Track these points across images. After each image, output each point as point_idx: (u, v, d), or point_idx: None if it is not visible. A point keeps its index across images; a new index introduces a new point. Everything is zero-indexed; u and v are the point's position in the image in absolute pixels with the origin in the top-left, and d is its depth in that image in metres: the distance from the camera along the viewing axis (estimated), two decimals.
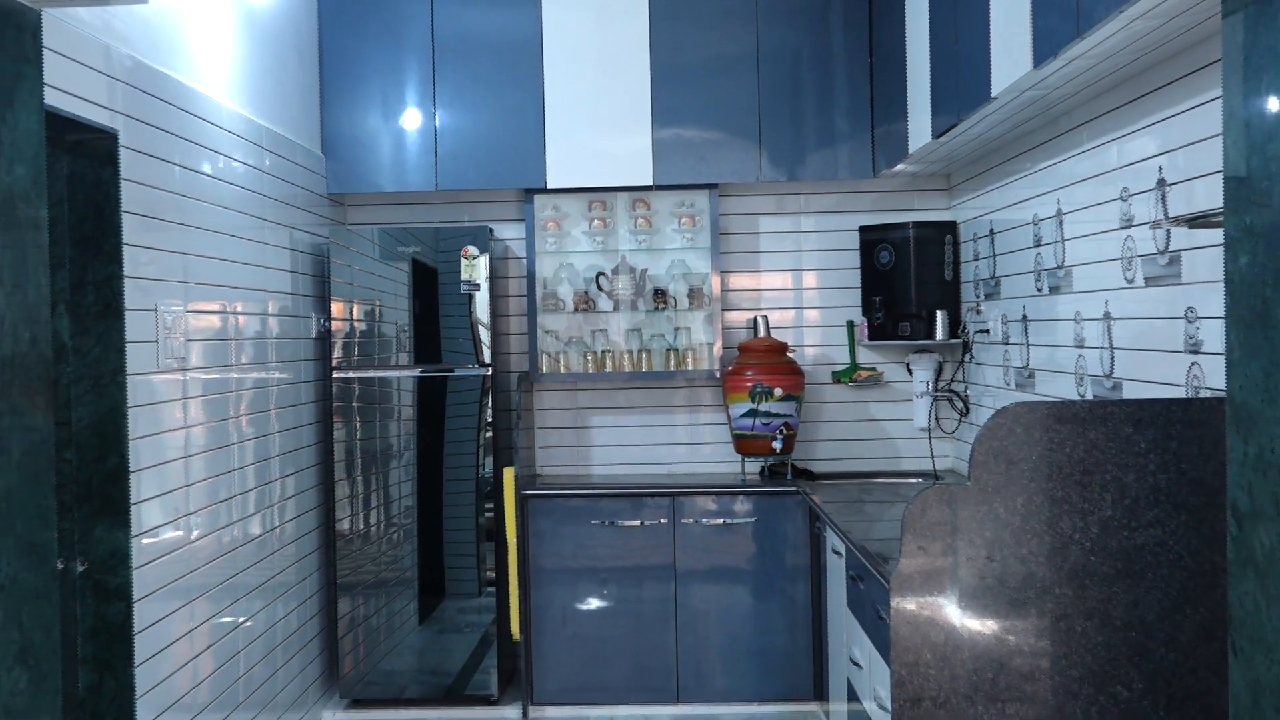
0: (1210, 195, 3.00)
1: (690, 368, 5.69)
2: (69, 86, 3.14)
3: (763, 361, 5.50)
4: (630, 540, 5.29)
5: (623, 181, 5.57)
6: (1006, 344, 4.79)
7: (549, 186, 5.56)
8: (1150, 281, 3.42)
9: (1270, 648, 2.04)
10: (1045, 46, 3.19)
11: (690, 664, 5.29)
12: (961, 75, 4.03)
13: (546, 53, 5.51)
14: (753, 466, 5.64)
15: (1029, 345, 4.51)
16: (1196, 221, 2.84)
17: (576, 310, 5.77)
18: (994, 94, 3.67)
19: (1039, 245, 4.37)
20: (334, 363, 5.30)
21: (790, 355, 5.61)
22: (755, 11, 5.51)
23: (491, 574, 5.38)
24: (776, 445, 5.46)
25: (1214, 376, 3.02)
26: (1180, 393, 3.20)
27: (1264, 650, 2.06)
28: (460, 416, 5.38)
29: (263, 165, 4.67)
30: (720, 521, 5.28)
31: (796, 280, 5.85)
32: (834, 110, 5.53)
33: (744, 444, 5.53)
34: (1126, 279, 3.58)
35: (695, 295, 5.72)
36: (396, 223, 5.75)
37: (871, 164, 5.51)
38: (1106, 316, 3.74)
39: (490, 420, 5.35)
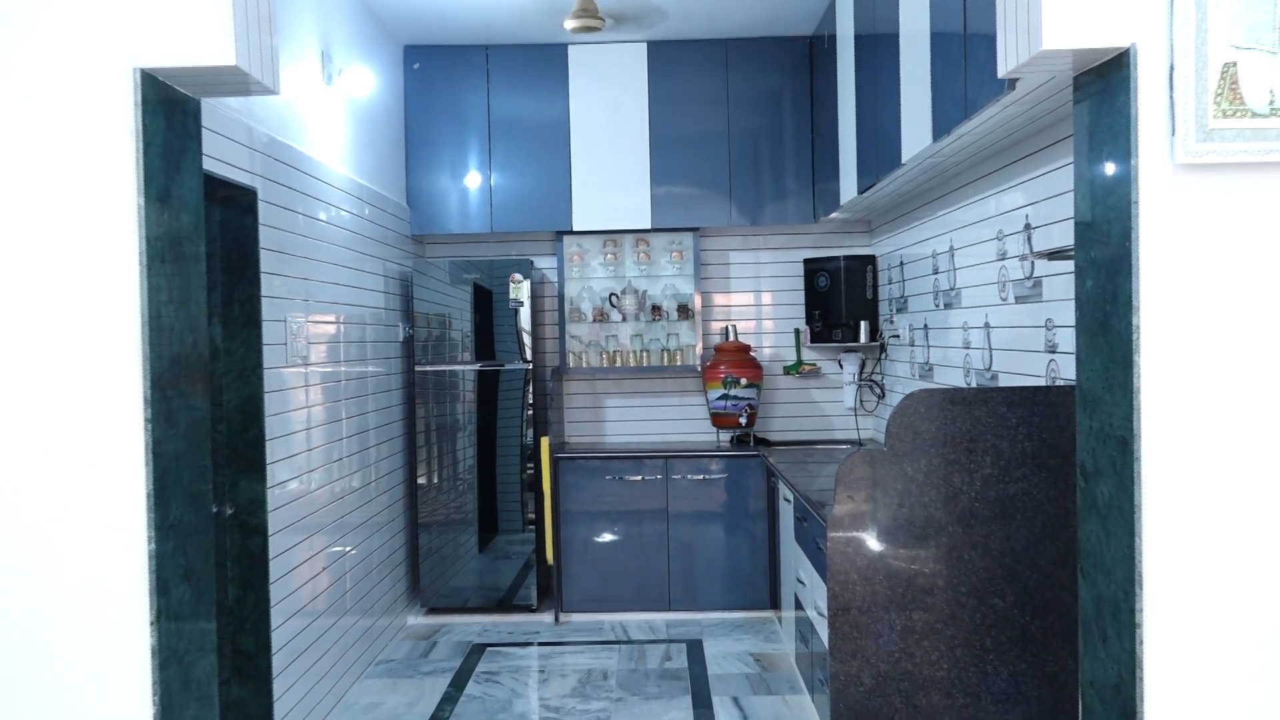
0: (1064, 235, 3.00)
1: (679, 364, 5.69)
2: (221, 156, 3.14)
3: (732, 359, 5.50)
4: (634, 491, 5.29)
5: (628, 225, 5.56)
6: (912, 346, 4.79)
7: (574, 229, 5.56)
8: (1019, 300, 3.42)
9: (1109, 571, 2.04)
10: (942, 125, 3.19)
11: (678, 582, 5.29)
12: (879, 147, 4.03)
13: (573, 131, 5.51)
14: (725, 436, 5.65)
15: (929, 347, 4.51)
16: (1054, 255, 2.84)
17: (594, 321, 5.77)
18: (903, 161, 3.67)
19: (936, 273, 4.37)
20: (416, 360, 5.30)
21: (752, 354, 5.61)
22: (726, 100, 5.51)
23: (532, 515, 5.38)
24: (742, 420, 5.47)
25: (1067, 370, 3.02)
26: (1042, 381, 3.21)
27: (1104, 573, 2.06)
28: (509, 399, 5.38)
29: (363, 214, 4.67)
30: (701, 477, 5.28)
31: (757, 299, 5.85)
32: (784, 173, 5.53)
33: (718, 419, 5.53)
34: (1001, 298, 3.58)
35: (683, 310, 5.72)
36: (462, 256, 5.75)
37: (812, 212, 5.50)
38: (987, 325, 3.74)
39: (531, 402, 5.35)
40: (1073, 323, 2.46)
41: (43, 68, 2.06)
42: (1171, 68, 1.90)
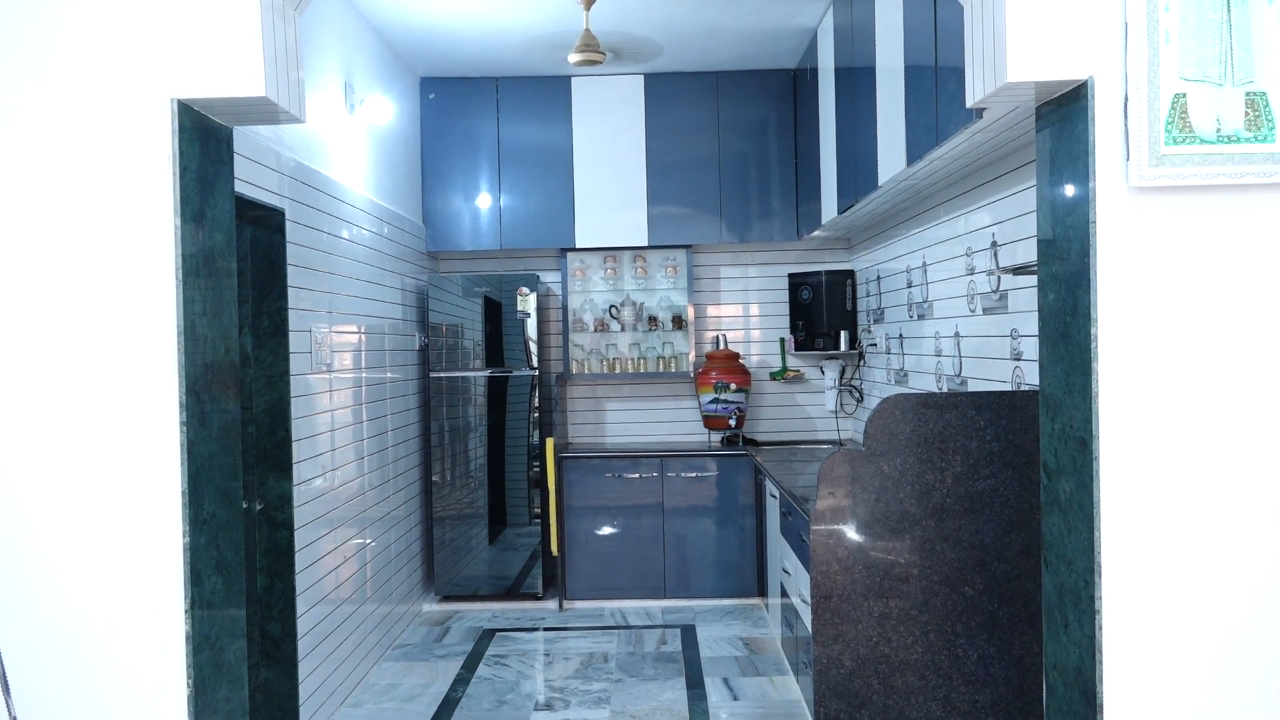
0: (1028, 252, 3.01)
1: (673, 370, 5.68)
2: (251, 179, 3.14)
3: (723, 365, 5.49)
4: (632, 488, 5.28)
5: (627, 243, 5.56)
6: (888, 353, 4.79)
7: (577, 246, 5.55)
8: (987, 311, 3.42)
9: (1070, 561, 2.03)
10: (915, 151, 3.20)
11: (673, 571, 5.28)
12: (857, 170, 4.04)
13: (576, 156, 5.51)
14: (715, 437, 5.64)
15: (904, 354, 4.51)
16: (1018, 270, 2.84)
17: (596, 331, 5.76)
18: (879, 183, 3.67)
19: (910, 286, 4.37)
20: (431, 367, 5.29)
21: (741, 361, 5.60)
22: (717, 128, 5.51)
23: (538, 510, 5.37)
24: (732, 422, 5.46)
25: (1030, 376, 3.02)
26: (1007, 386, 3.21)
27: (1066, 563, 2.06)
28: (517, 403, 5.37)
29: (382, 232, 4.67)
30: (693, 475, 5.27)
31: (745, 310, 5.85)
32: (770, 194, 5.53)
33: (710, 421, 5.53)
34: (970, 309, 3.59)
35: (677, 320, 5.72)
36: (473, 271, 5.74)
37: (796, 230, 5.51)
38: (956, 335, 3.74)
39: (537, 405, 5.34)
40: (1036, 333, 2.46)
41: (88, 98, 2.06)
42: (1126, 98, 1.90)
